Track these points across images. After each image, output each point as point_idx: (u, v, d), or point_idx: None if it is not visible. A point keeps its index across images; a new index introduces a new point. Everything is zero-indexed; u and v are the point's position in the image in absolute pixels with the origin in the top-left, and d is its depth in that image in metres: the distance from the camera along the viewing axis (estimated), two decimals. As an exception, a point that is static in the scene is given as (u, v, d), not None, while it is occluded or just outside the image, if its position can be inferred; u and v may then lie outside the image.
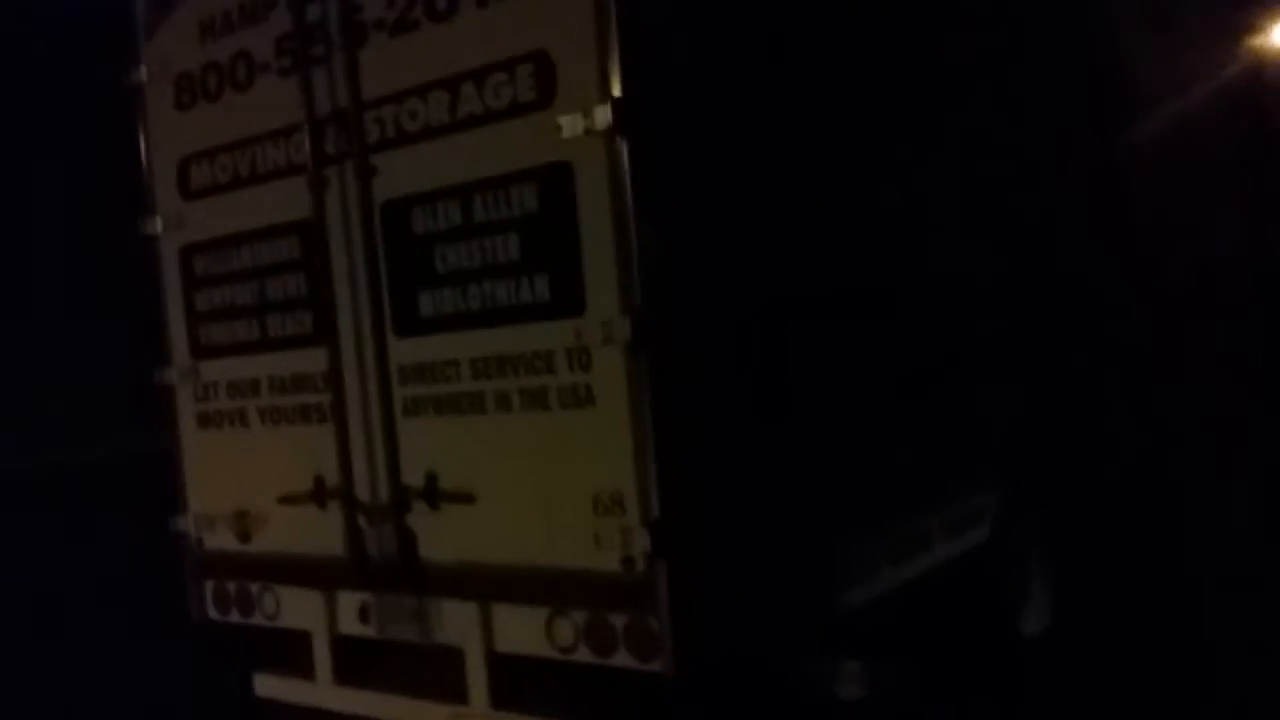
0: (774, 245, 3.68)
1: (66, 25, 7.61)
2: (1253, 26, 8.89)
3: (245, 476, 4.42)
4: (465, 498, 3.74)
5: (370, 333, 3.95)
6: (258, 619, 4.48)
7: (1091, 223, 5.74)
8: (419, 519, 3.88)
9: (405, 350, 3.89)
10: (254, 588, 4.48)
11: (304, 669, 4.33)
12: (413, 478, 3.88)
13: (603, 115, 3.27)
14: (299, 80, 4.05)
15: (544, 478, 3.54)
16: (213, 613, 4.63)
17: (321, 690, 4.29)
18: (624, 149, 3.27)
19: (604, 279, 3.35)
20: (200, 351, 4.56)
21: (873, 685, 4.04)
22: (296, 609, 4.34)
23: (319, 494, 4.12)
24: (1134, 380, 5.83)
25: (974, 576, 4.78)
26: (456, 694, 3.85)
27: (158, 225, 4.61)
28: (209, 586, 4.63)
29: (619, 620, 3.41)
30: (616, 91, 3.26)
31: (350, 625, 4.19)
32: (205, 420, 4.56)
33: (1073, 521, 5.41)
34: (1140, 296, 5.94)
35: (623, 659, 3.42)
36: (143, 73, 4.61)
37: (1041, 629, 5.31)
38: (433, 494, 3.82)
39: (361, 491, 4.02)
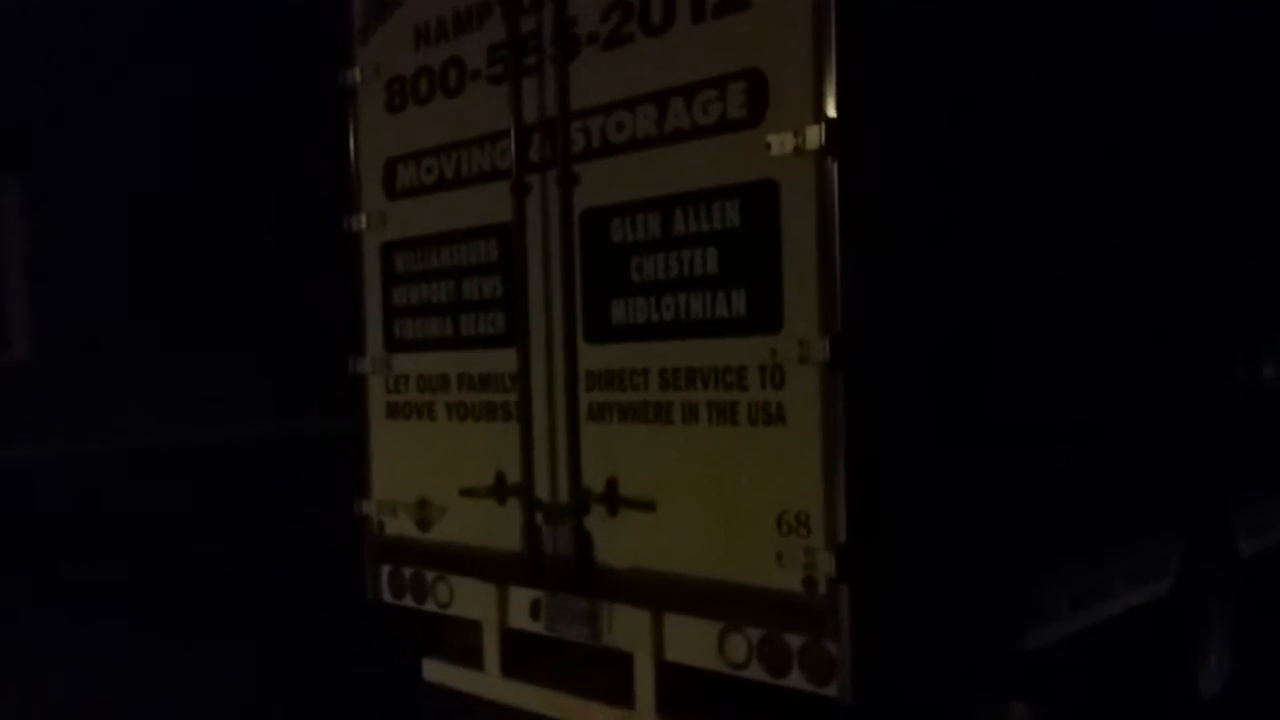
0: (973, 272, 3.62)
1: (282, 26, 8.02)
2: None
3: (429, 467, 4.57)
4: (645, 505, 3.78)
5: (561, 336, 4.04)
6: (431, 606, 4.62)
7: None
8: (597, 522, 3.95)
9: (594, 356, 3.97)
10: (429, 575, 4.62)
11: (472, 659, 4.45)
12: (593, 481, 3.95)
13: (815, 135, 3.28)
14: (509, 88, 4.17)
15: (728, 492, 3.55)
16: (387, 596, 4.80)
17: (489, 680, 4.40)
18: (834, 170, 3.27)
19: (803, 298, 3.35)
20: (394, 345, 4.74)
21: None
22: (469, 599, 4.46)
23: (500, 490, 4.24)
24: None
25: (1153, 629, 4.60)
26: (622, 697, 3.89)
27: (362, 222, 4.82)
28: (386, 571, 4.81)
29: (795, 641, 3.40)
30: (831, 112, 3.26)
31: (521, 620, 4.29)
32: (394, 410, 4.74)
33: (1255, 576, 5.16)
34: None
35: (797, 680, 3.40)
36: (356, 74, 4.82)
37: (1218, 690, 5.07)
38: (612, 499, 3.88)
39: (541, 490, 4.11)
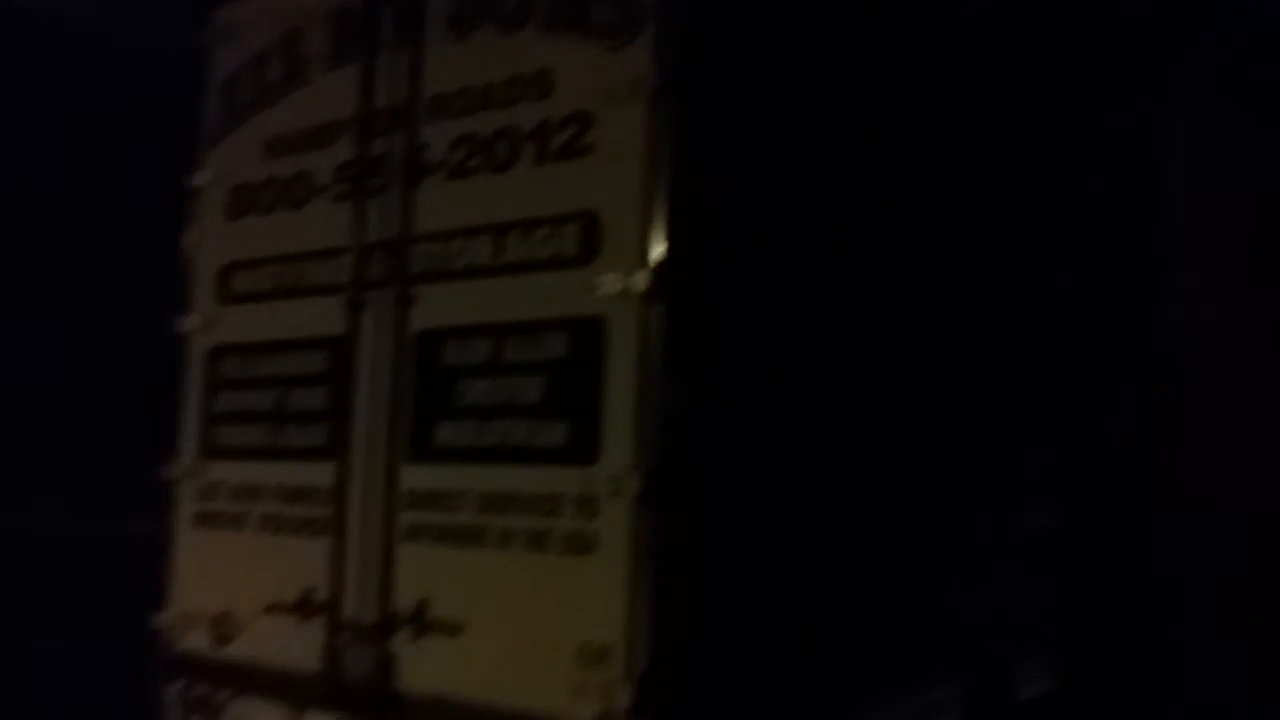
0: (786, 419, 3.80)
1: (134, 123, 7.95)
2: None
3: (234, 580, 4.43)
4: (452, 629, 3.76)
5: (383, 453, 4.04)
6: (221, 727, 4.43)
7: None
8: (402, 645, 3.88)
9: (415, 476, 3.97)
10: (221, 695, 4.43)
11: (260, 786, 4.26)
12: (402, 603, 3.90)
13: (641, 279, 3.45)
14: (353, 207, 4.25)
15: (535, 620, 3.57)
16: (177, 715, 4.57)
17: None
18: (658, 313, 3.44)
19: (620, 433, 3.46)
20: (210, 451, 4.63)
21: None
22: (263, 721, 4.30)
23: (305, 607, 4.14)
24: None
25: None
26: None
27: (191, 324, 4.75)
28: (176, 688, 4.59)
29: (592, 774, 3.40)
30: (658, 258, 3.45)
31: (316, 746, 4.15)
32: (203, 519, 4.60)
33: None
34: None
35: (592, 816, 3.39)
36: (202, 178, 4.82)
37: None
38: (420, 621, 3.84)
39: (348, 610, 4.04)
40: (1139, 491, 5.76)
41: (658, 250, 3.46)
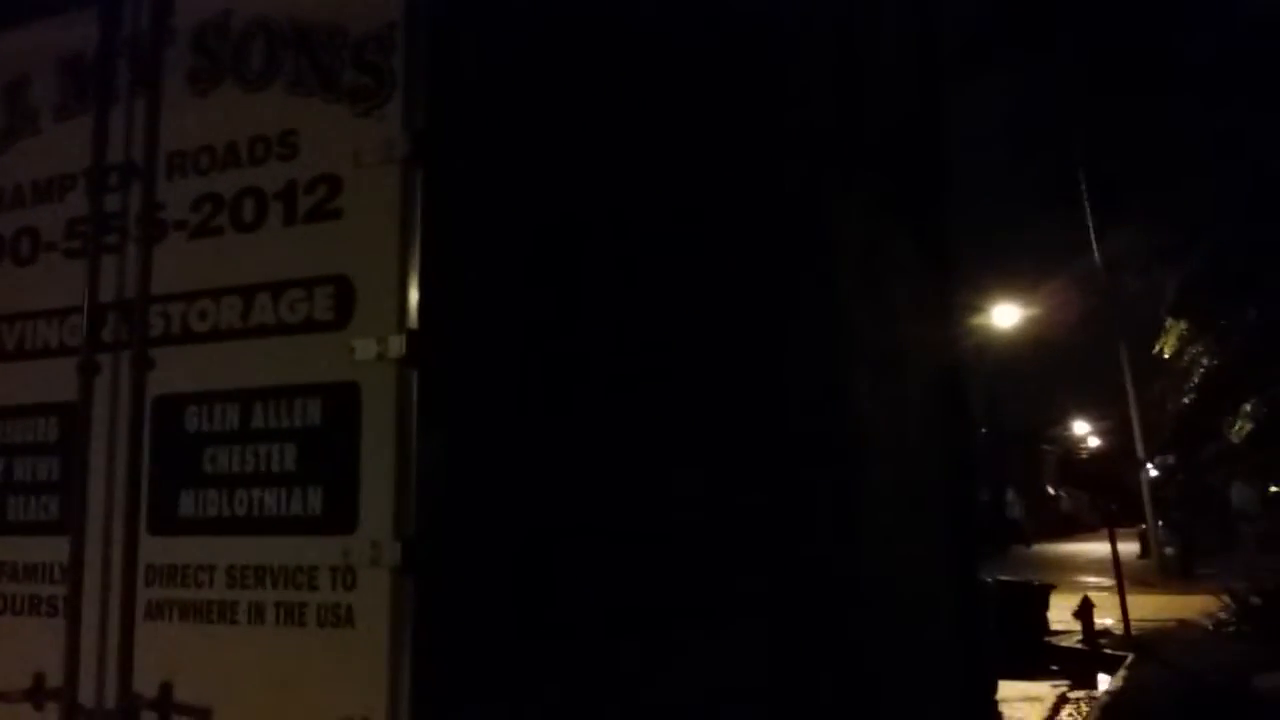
0: (549, 477, 3.84)
1: None
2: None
3: (-46, 667, 4.08)
4: (201, 713, 3.59)
5: (122, 526, 3.82)
6: (-59, 832, 4.05)
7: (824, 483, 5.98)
8: (148, 731, 3.69)
9: (157, 549, 3.78)
10: (-54, 795, 4.07)
11: None
12: (146, 686, 3.69)
13: (397, 344, 3.43)
14: (86, 265, 4.02)
15: (291, 697, 3.46)
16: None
17: None
18: (414, 378, 3.42)
19: (378, 499, 3.42)
20: (-74, 527, 4.25)
21: None
22: (-12, 823, 3.96)
23: (37, 694, 3.85)
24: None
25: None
26: None
27: (-96, 388, 4.36)
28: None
29: None
30: (413, 323, 3.43)
31: (55, 845, 3.86)
32: (-82, 602, 4.22)
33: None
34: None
35: None
36: (-85, 232, 4.44)
37: None
38: (165, 705, 3.64)
39: (86, 696, 3.79)
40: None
41: (413, 315, 3.46)
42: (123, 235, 3.99)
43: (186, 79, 3.94)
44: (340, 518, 3.46)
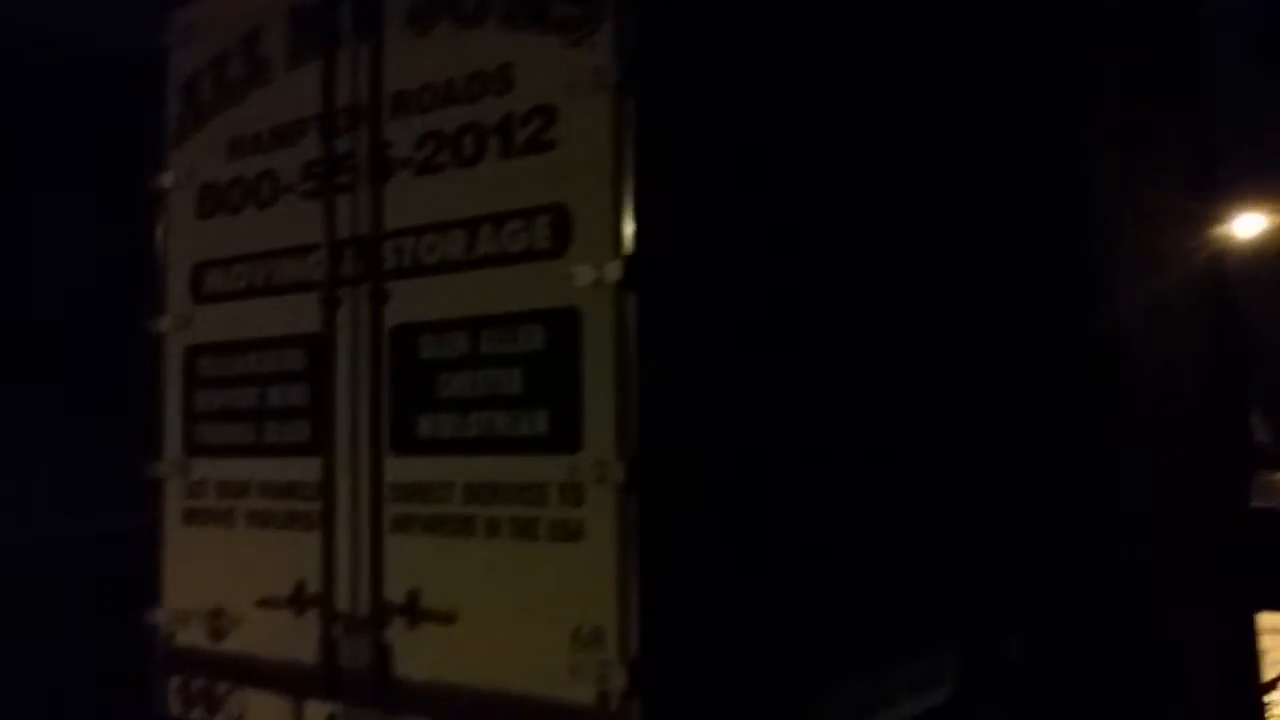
0: (768, 401, 3.90)
1: (96, 125, 7.86)
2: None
3: (225, 576, 4.50)
4: (445, 618, 3.86)
5: (367, 448, 4.11)
6: (222, 720, 4.52)
7: (1080, 396, 5.90)
8: (396, 635, 3.98)
9: (400, 468, 4.05)
10: (221, 688, 4.51)
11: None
12: (394, 593, 4.00)
13: (614, 269, 3.52)
14: (322, 205, 4.28)
15: (526, 606, 3.67)
16: (176, 710, 4.65)
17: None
18: (631, 302, 3.51)
19: (602, 421, 3.54)
20: (194, 449, 4.68)
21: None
22: (263, 713, 4.37)
23: (298, 600, 4.22)
24: (1105, 552, 5.98)
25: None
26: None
27: (166, 324, 4.77)
28: (175, 683, 4.67)
29: (590, 753, 3.52)
30: (628, 249, 3.51)
31: (319, 734, 4.25)
32: (191, 516, 4.66)
33: (1032, 692, 5.51)
34: (1116, 468, 6.08)
35: (591, 792, 3.52)
36: (168, 179, 4.82)
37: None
38: (413, 611, 3.93)
39: (341, 602, 4.13)
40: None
41: (629, 240, 3.53)
42: (354, 175, 4.22)
43: (406, 20, 4.10)
44: (566, 438, 3.61)
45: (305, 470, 4.28)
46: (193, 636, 4.59)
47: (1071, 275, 5.63)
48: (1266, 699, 7.67)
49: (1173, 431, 6.36)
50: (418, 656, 3.94)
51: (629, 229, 3.54)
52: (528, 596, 3.67)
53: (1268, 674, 7.88)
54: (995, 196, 5.02)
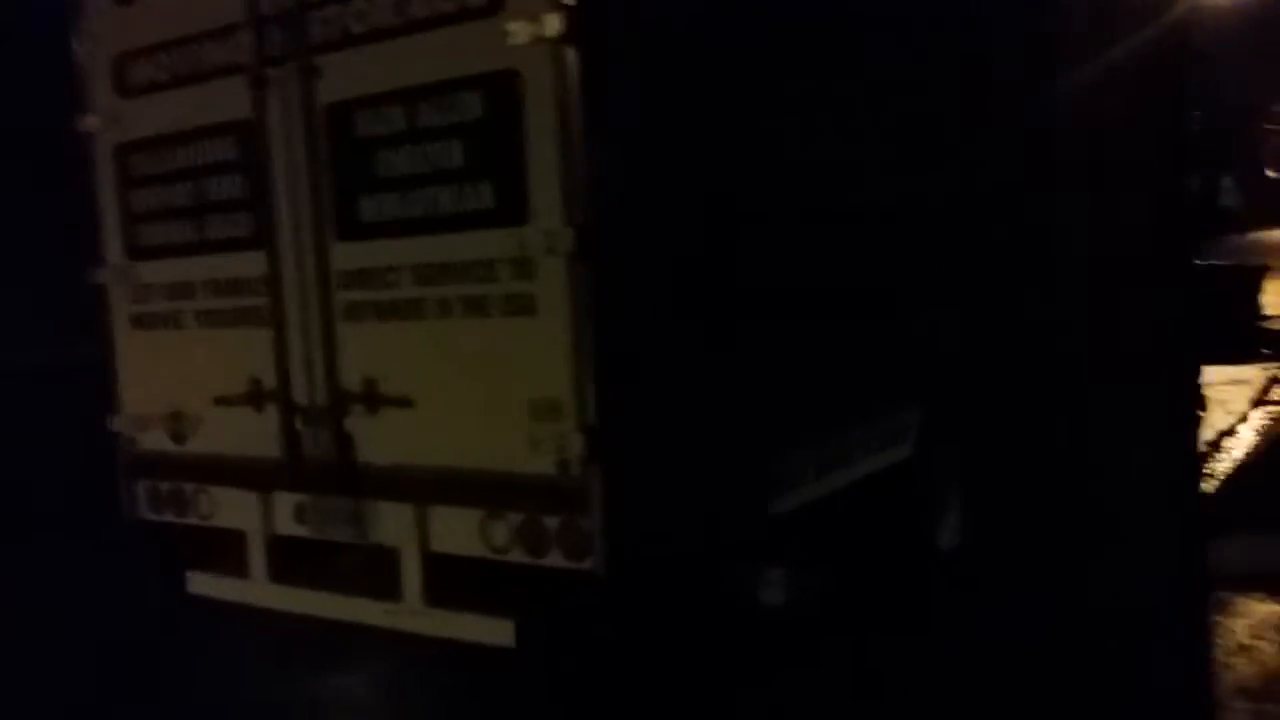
0: (721, 162, 3.73)
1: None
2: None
3: (180, 378, 4.41)
4: (403, 402, 3.79)
5: (311, 236, 3.96)
6: (192, 519, 4.50)
7: (1024, 160, 5.76)
8: (357, 422, 3.93)
9: (346, 255, 3.91)
10: (188, 488, 4.49)
11: (239, 568, 4.38)
12: (351, 381, 3.92)
13: (554, 23, 3.29)
14: (242, -23, 3.99)
15: (482, 383, 3.61)
16: (146, 512, 4.64)
17: (257, 588, 4.34)
18: (574, 58, 3.30)
19: (549, 189, 3.39)
20: (136, 252, 4.52)
21: (795, 592, 4.20)
22: (232, 509, 4.37)
23: (255, 396, 4.15)
24: (1056, 317, 5.93)
25: (895, 491, 4.96)
26: (391, 591, 3.94)
27: (93, 123, 4.53)
28: (143, 486, 4.64)
29: (553, 522, 3.51)
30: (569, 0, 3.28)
31: (286, 525, 4.24)
32: (140, 321, 4.54)
33: (990, 444, 5.57)
34: (1067, 235, 5.98)
35: (555, 559, 3.53)
36: (81, -36, 4.49)
37: (955, 544, 5.53)
38: (371, 398, 3.87)
39: (299, 394, 4.06)
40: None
41: (566, -12, 3.29)
42: (273, -58, 3.91)
43: None
44: (512, 209, 3.47)
45: (250, 265, 4.14)
46: (155, 441, 4.54)
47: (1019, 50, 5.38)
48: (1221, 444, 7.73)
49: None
50: (379, 442, 3.90)
51: (567, -21, 3.30)
52: (484, 374, 3.60)
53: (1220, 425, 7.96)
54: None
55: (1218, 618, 4.76)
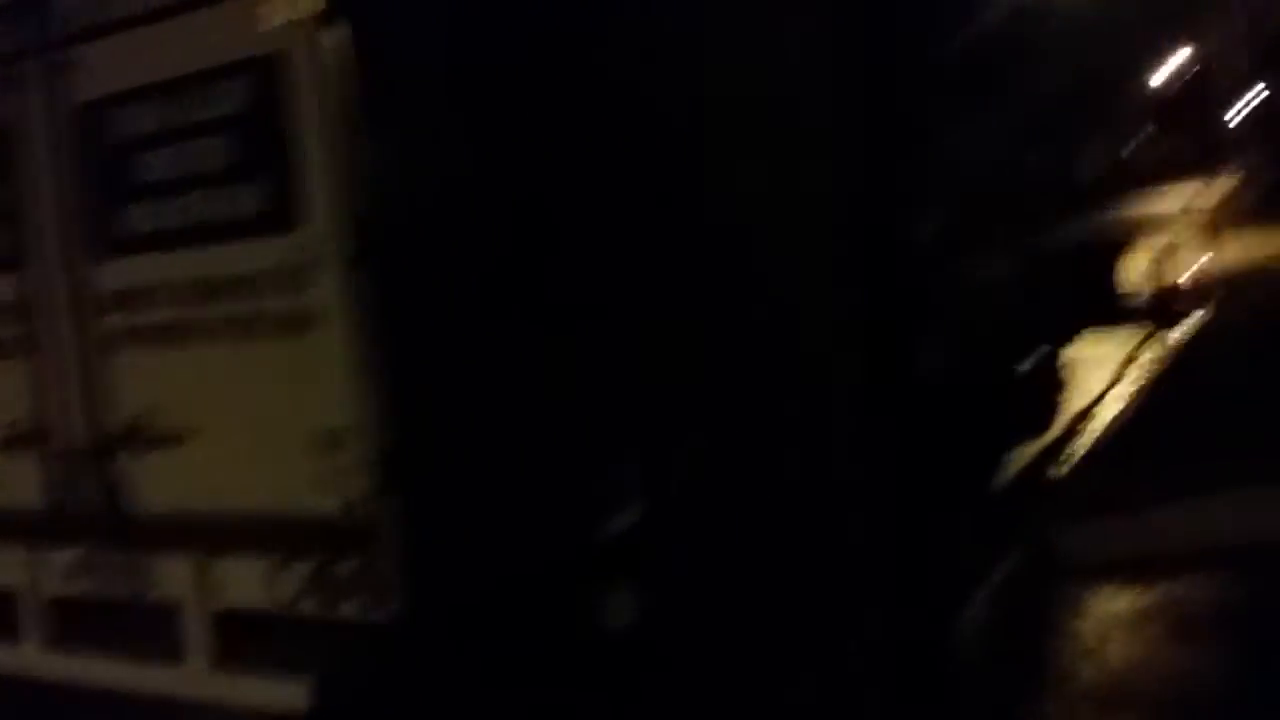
0: (508, 149, 3.34)
1: None
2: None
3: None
4: (174, 440, 3.33)
5: (64, 255, 3.48)
6: (-48, 581, 3.95)
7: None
8: (126, 466, 3.45)
9: (106, 275, 3.44)
10: (-51, 546, 3.95)
11: (9, 633, 3.85)
12: (117, 419, 3.44)
13: (310, 0, 2.89)
14: (-23, -37, 3.49)
15: (258, 415, 3.16)
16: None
17: (29, 655, 3.81)
18: (336, 39, 2.90)
19: (318, 189, 2.98)
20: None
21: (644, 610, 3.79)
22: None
23: (11, 440, 3.64)
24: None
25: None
26: (175, 654, 3.46)
27: None
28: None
29: (345, 568, 3.09)
30: (326, -27, 2.87)
31: (59, 585, 3.73)
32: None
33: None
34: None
35: (351, 610, 3.10)
36: None
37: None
38: (137, 437, 3.39)
39: (59, 437, 3.56)
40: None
41: (324, -36, 2.89)
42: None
43: None
44: (279, 215, 3.05)
45: (1, 288, 3.63)
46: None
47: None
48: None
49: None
50: (153, 486, 3.43)
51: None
52: (258, 405, 3.16)
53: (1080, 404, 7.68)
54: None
55: (1066, 616, 4.52)
